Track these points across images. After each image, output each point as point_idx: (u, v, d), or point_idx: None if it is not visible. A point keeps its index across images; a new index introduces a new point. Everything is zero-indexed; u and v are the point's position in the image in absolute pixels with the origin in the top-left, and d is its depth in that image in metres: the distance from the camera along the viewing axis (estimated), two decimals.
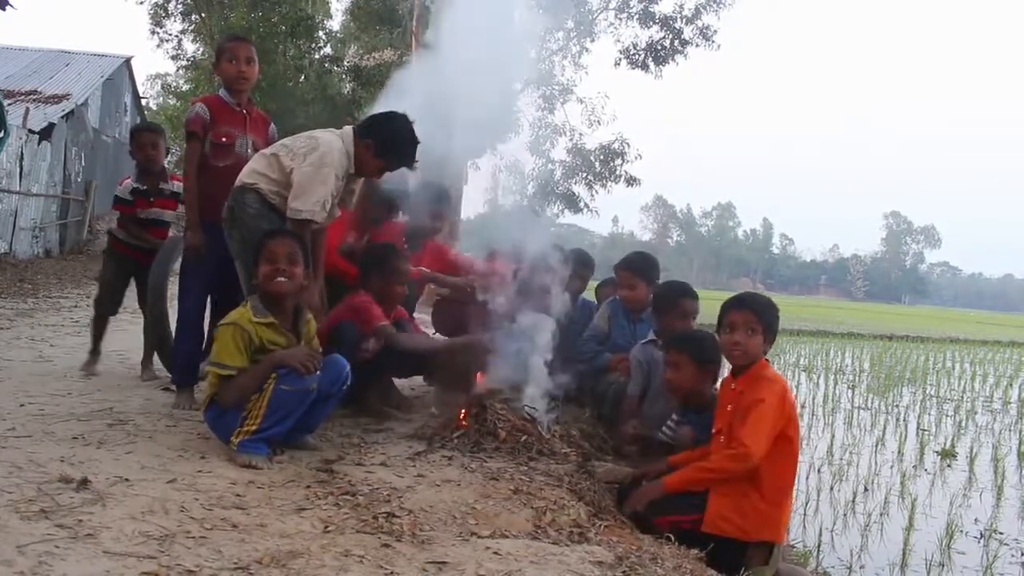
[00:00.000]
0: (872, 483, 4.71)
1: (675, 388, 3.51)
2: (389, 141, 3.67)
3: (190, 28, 29.18)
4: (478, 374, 3.93)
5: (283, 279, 3.13)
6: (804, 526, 3.88)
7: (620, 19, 25.18)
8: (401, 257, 4.20)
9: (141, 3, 27.68)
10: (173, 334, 4.24)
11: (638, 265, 4.74)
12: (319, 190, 3.48)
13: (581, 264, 5.07)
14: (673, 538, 2.71)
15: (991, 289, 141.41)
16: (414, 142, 3.72)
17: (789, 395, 2.94)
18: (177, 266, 4.36)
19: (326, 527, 2.35)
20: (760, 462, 2.80)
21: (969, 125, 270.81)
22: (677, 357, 3.45)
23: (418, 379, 4.97)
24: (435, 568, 2.13)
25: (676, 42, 24.78)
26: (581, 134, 28.46)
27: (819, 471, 4.85)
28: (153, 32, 28.73)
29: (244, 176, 3.62)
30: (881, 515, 4.15)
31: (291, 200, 3.50)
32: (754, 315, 3.03)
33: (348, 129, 3.72)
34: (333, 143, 3.60)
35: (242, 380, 3.03)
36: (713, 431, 3.11)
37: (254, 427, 2.99)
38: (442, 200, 4.80)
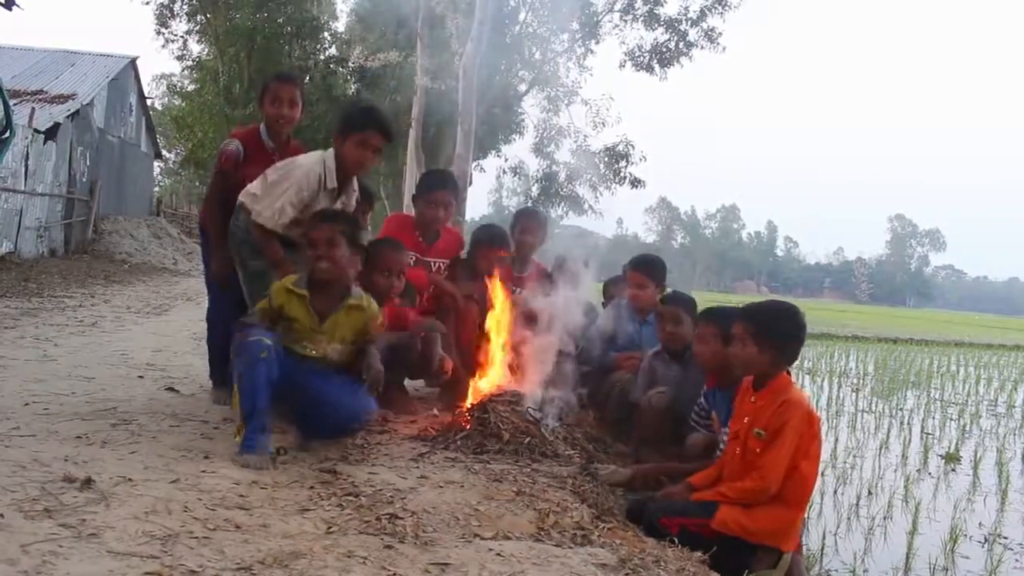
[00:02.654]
0: (876, 487, 4.70)
1: (704, 362, 3.47)
2: (344, 115, 3.93)
3: (195, 29, 29.35)
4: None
5: (324, 264, 3.30)
6: (808, 529, 3.86)
7: (625, 21, 25.23)
8: (390, 249, 4.06)
9: (147, 3, 27.88)
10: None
11: (649, 265, 4.75)
12: (274, 201, 3.69)
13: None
14: (677, 540, 2.70)
15: (996, 292, 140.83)
16: (369, 106, 4.06)
17: (813, 416, 2.88)
18: None
19: (329, 528, 2.35)
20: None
21: (975, 128, 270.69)
22: (704, 330, 3.39)
23: (420, 380, 4.97)
24: (438, 570, 2.13)
25: (681, 44, 24.81)
26: (586, 136, 28.53)
27: (823, 474, 4.82)
28: (159, 32, 28.95)
29: (240, 195, 3.84)
30: (885, 519, 4.15)
31: (254, 203, 3.73)
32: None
33: (330, 150, 3.87)
34: (306, 162, 3.81)
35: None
36: (728, 435, 3.06)
37: (239, 417, 3.05)
38: (451, 186, 4.83)
